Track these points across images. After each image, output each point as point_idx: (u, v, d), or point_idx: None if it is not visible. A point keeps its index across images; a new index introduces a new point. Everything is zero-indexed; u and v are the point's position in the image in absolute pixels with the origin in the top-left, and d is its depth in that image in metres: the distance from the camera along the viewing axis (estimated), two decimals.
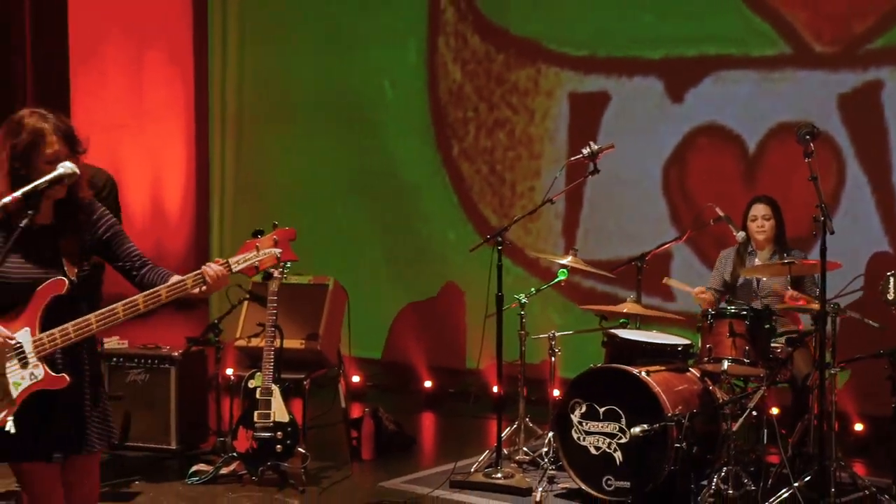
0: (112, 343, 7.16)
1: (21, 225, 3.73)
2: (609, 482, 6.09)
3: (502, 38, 9.24)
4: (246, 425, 6.45)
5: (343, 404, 7.32)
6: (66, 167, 3.77)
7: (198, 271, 3.89)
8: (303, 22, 10.13)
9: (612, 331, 6.65)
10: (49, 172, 3.76)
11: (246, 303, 7.04)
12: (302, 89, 10.10)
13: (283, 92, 10.23)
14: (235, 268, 3.88)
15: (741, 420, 5.96)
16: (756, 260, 6.74)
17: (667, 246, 7.11)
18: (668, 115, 8.56)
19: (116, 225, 4.00)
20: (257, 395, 6.43)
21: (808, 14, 7.93)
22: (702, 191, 8.24)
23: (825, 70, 7.87)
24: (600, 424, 6.13)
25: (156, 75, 11.86)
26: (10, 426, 3.70)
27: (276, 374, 6.43)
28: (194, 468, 6.58)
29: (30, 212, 3.75)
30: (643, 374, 6.06)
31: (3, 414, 3.71)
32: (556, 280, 6.80)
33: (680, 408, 5.97)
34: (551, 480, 6.41)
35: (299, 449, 6.49)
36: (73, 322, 3.78)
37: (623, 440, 6.05)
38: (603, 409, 6.14)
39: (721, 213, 6.70)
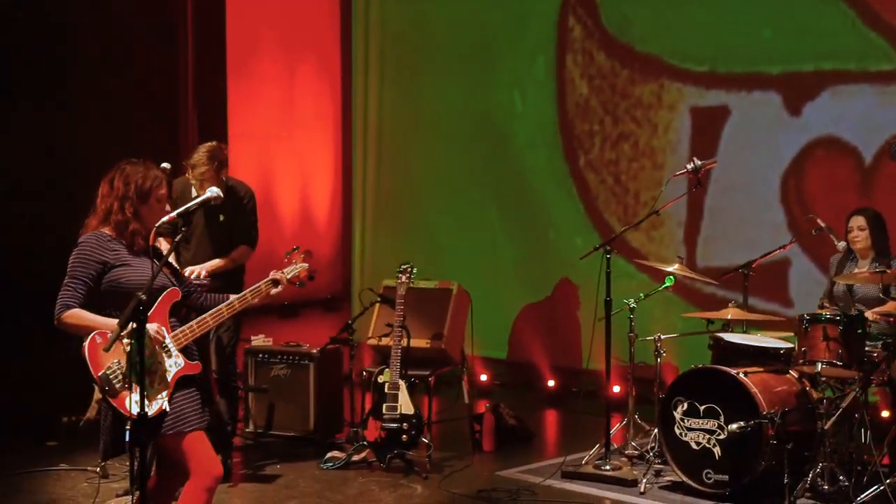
0: (258, 341, 7.89)
1: (177, 240, 4.43)
2: (709, 475, 6.51)
3: (627, 55, 9.68)
4: (375, 416, 7.06)
5: (466, 400, 7.88)
6: (212, 192, 4.45)
7: (270, 278, 4.83)
8: (440, 40, 10.72)
9: (718, 334, 7.06)
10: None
11: (377, 305, 7.66)
12: (438, 104, 10.70)
13: (420, 106, 10.85)
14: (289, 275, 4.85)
15: (833, 418, 6.30)
16: (855, 268, 7.06)
17: (772, 255, 7.44)
18: (786, 128, 8.87)
19: None
20: (386, 390, 7.04)
21: None
22: (818, 201, 8.54)
23: None
24: (700, 421, 6.56)
25: (306, 88, 12.62)
26: (165, 405, 4.41)
27: (403, 370, 7.02)
28: (329, 455, 7.21)
29: (184, 228, 4.43)
30: (741, 374, 6.46)
31: (163, 395, 4.42)
32: (662, 287, 7.23)
33: (776, 407, 6.35)
34: (657, 473, 6.84)
35: (423, 439, 7.07)
36: (195, 321, 4.55)
37: (722, 436, 6.46)
38: (703, 406, 6.56)
39: (822, 224, 7.03)
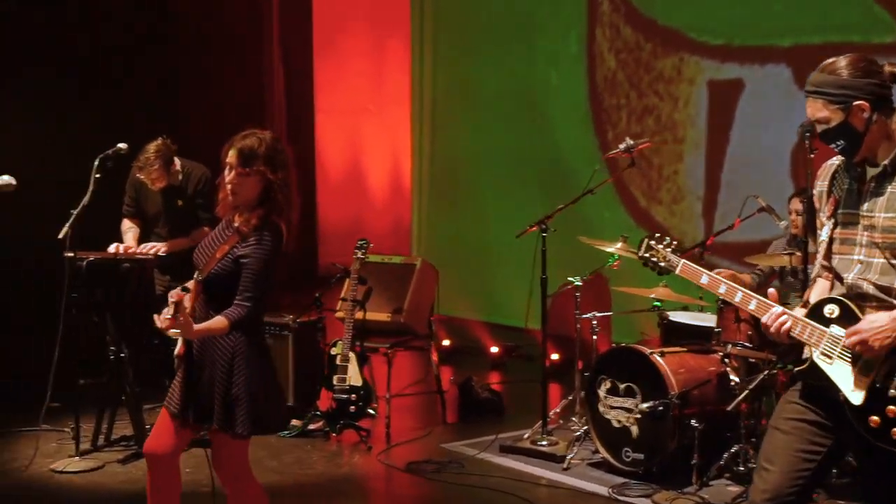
0: None
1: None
2: (627, 454, 6.58)
3: (650, 28, 9.65)
4: (327, 387, 7.40)
5: (436, 372, 8.12)
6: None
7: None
8: (486, 19, 10.90)
9: (666, 312, 7.09)
10: None
11: (346, 280, 7.95)
12: (483, 81, 10.91)
13: (465, 80, 11.09)
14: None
15: (738, 399, 6.25)
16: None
17: (720, 233, 7.35)
18: (795, 101, 8.67)
19: None
20: (337, 362, 7.36)
21: None
22: None
23: None
24: (621, 400, 6.63)
25: (396, 63, 12.87)
26: None
27: (355, 343, 7.33)
28: (290, 423, 7.59)
29: None
30: (655, 354, 6.50)
31: None
32: (606, 265, 7.27)
33: (688, 388, 6.37)
34: (595, 451, 6.90)
35: (370, 411, 7.37)
36: None
37: (638, 416, 6.52)
38: (623, 385, 6.63)
39: (763, 203, 6.93)
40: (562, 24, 10.29)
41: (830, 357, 3.76)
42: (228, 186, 4.53)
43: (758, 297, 3.98)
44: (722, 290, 4.04)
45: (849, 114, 3.77)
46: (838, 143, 3.84)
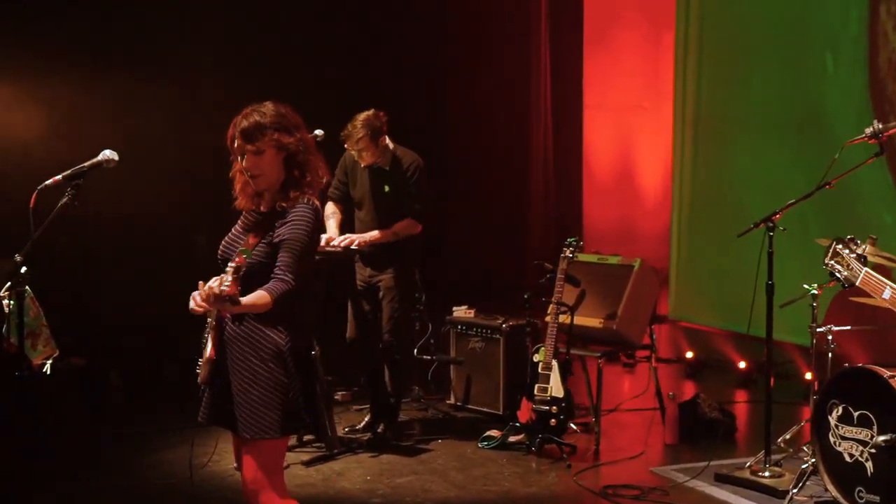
0: (460, 312, 7.78)
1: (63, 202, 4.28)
2: (861, 494, 5.53)
3: None
4: (528, 398, 6.69)
5: (658, 386, 7.25)
6: (105, 154, 4.36)
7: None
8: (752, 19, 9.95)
9: None
10: None
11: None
12: (752, 89, 9.93)
13: (734, 90, 10.12)
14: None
15: None
16: None
17: None
18: None
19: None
20: (539, 370, 6.66)
21: None
22: None
23: None
24: (854, 430, 5.59)
25: (671, 57, 12.04)
26: None
27: (558, 349, 6.61)
28: (486, 433, 6.94)
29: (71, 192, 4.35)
30: (895, 377, 5.42)
31: None
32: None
33: None
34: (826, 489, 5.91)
35: (572, 425, 6.62)
36: None
37: (873, 449, 5.48)
38: (857, 413, 5.59)
39: None
40: (840, 4, 9.13)
41: None
42: (247, 173, 4.09)
43: None
44: None
45: None
46: None
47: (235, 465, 4.40)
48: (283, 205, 4.05)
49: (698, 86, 10.64)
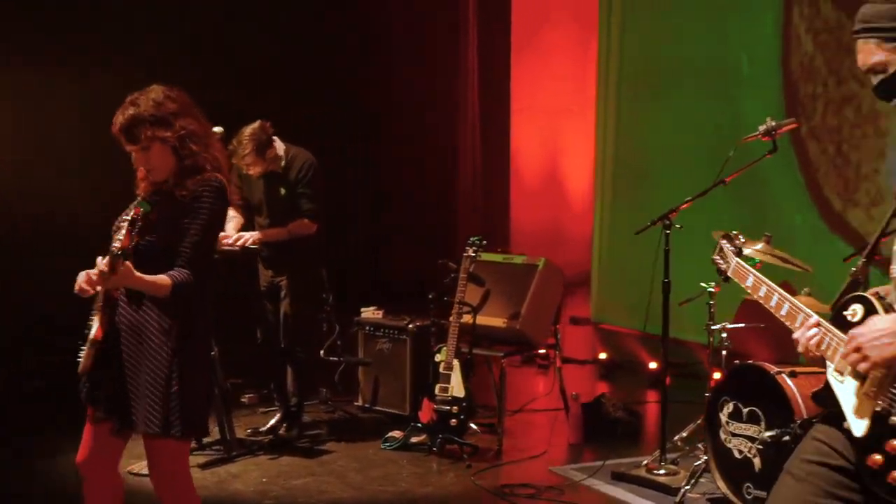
0: (368, 313, 7.72)
1: None
2: (749, 490, 5.54)
3: (855, 5, 8.42)
4: (429, 398, 6.66)
5: (562, 386, 7.24)
6: None
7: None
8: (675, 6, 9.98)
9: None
10: None
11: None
12: (670, 58, 9.97)
13: (653, 60, 10.15)
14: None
15: None
16: None
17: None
18: None
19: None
20: (440, 370, 6.63)
21: None
22: None
23: None
24: (743, 426, 5.60)
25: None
26: None
27: (459, 349, 6.58)
28: (388, 434, 6.90)
29: None
30: (782, 374, 5.43)
31: None
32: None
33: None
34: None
35: (472, 425, 6.59)
36: None
37: (760, 446, 5.48)
38: (746, 409, 5.59)
39: None
40: (757, 2, 9.19)
41: (843, 373, 2.76)
42: (140, 168, 4.03)
43: (793, 300, 3.03)
44: (762, 292, 3.13)
45: None
46: None
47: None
48: (183, 193, 3.94)
49: (619, 91, 10.69)
